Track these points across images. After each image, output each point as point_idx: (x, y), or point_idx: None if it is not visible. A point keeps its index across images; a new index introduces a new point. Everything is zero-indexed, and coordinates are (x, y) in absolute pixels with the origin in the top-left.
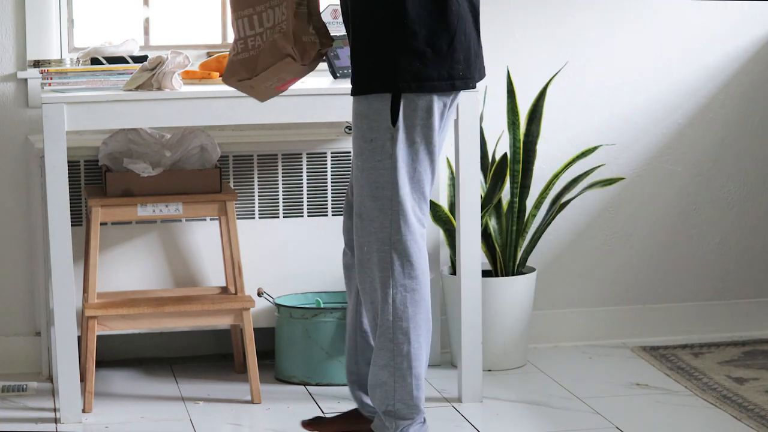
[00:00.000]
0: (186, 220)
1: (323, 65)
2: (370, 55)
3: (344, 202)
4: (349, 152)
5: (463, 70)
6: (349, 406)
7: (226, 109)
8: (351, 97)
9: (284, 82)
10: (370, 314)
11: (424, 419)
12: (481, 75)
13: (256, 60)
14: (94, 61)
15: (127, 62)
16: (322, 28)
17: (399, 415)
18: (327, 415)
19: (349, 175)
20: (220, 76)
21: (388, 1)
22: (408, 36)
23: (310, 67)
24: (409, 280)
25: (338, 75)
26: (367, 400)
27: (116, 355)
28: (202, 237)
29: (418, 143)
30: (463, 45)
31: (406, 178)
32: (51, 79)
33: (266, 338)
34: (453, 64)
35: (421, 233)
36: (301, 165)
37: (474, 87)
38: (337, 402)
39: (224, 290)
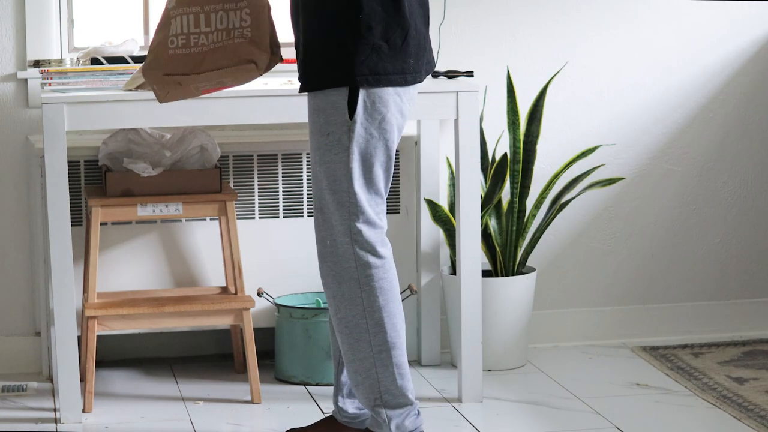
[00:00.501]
0: (186, 220)
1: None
2: (325, 50)
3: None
4: None
5: (413, 64)
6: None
7: (226, 109)
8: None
9: (221, 86)
10: (332, 308)
11: (418, 411)
12: (429, 69)
13: (201, 58)
14: (94, 61)
15: (127, 62)
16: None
17: (389, 405)
18: (300, 426)
19: None
20: None
21: None
22: (364, 30)
23: (259, 75)
24: (374, 270)
25: None
26: (346, 405)
27: (116, 355)
28: (202, 237)
29: (376, 138)
30: (415, 40)
31: (361, 171)
32: (51, 79)
33: (266, 338)
34: (406, 58)
35: (380, 226)
36: (301, 165)
37: (421, 81)
38: None
39: (224, 290)
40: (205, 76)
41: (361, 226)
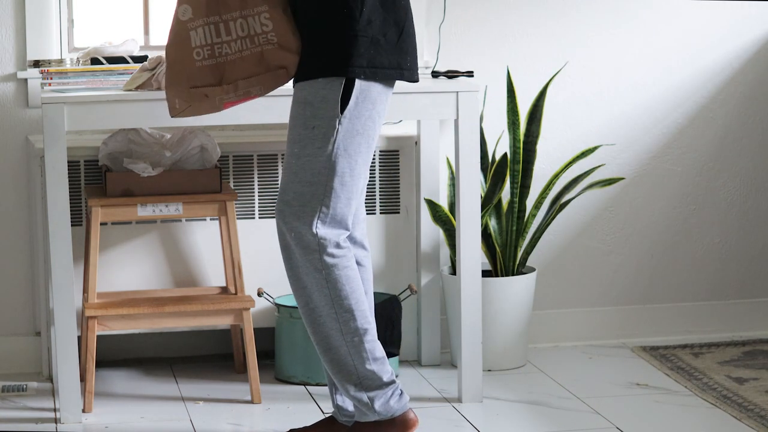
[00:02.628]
0: (186, 220)
1: None
2: (324, 42)
3: None
4: None
5: (410, 62)
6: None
7: (226, 109)
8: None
9: (248, 96)
10: (301, 301)
11: (402, 391)
12: (417, 74)
13: (230, 68)
14: (94, 61)
15: (127, 62)
16: None
17: (369, 389)
18: (300, 426)
19: None
20: None
21: None
22: (364, 24)
23: (288, 81)
24: (338, 259)
25: None
26: (345, 403)
27: (116, 355)
28: (202, 237)
29: (360, 134)
30: (410, 38)
31: (343, 167)
32: (51, 79)
33: (266, 338)
34: (402, 54)
35: (346, 226)
36: None
37: (417, 80)
38: None
39: (224, 290)
40: (234, 86)
41: (329, 221)
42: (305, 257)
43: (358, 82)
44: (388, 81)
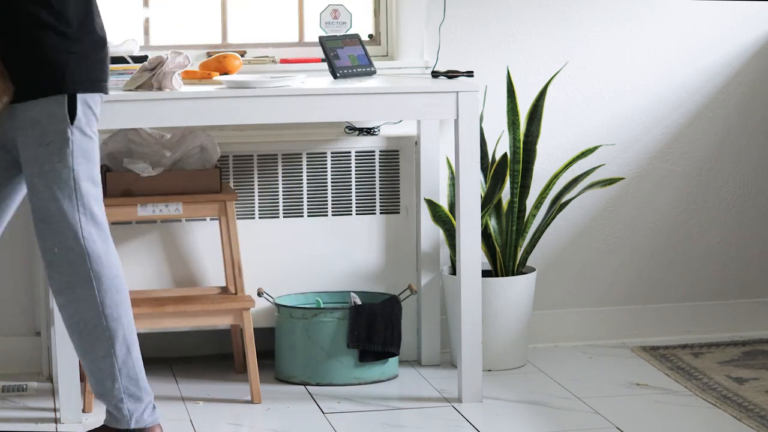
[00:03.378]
0: (186, 220)
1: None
2: (41, 63)
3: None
4: (350, 151)
5: (107, 75)
6: (350, 406)
7: (226, 109)
8: (42, 103)
9: None
10: (67, 313)
11: (154, 405)
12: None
13: None
14: None
15: (127, 62)
16: None
17: (136, 398)
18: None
19: (347, 173)
20: (220, 75)
21: (51, 11)
22: (75, 41)
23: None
24: (107, 269)
25: (338, 75)
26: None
27: None
28: (202, 237)
29: (93, 139)
30: (107, 52)
31: (86, 172)
32: None
33: (266, 338)
34: (105, 68)
35: (106, 227)
36: (301, 165)
37: (108, 92)
38: (337, 402)
39: (224, 290)
40: None
41: (92, 228)
42: (74, 270)
43: (80, 95)
44: (101, 92)
